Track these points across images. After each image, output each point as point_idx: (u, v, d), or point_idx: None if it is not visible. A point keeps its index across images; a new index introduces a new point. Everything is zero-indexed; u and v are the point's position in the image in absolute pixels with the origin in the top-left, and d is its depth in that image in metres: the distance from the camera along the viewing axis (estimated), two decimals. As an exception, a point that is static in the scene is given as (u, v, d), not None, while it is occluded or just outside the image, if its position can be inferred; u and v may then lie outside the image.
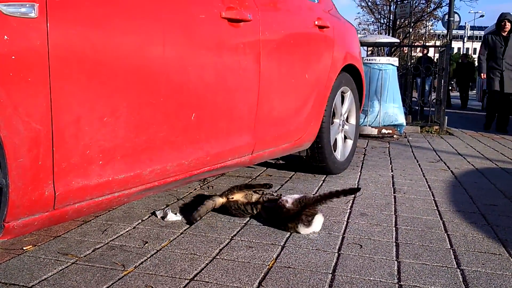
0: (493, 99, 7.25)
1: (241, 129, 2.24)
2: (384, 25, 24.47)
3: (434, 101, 7.02)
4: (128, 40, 1.57)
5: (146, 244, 1.84)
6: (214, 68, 1.98)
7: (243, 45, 2.15)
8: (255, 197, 2.20)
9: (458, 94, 19.33)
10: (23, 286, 1.46)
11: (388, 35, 19.36)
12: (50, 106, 1.33)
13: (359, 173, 3.45)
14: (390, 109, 5.84)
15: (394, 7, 19.75)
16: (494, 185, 3.23)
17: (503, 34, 7.02)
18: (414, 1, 20.45)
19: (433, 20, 24.54)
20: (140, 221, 2.12)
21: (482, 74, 7.45)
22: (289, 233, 2.02)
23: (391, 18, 22.54)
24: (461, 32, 45.74)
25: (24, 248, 1.75)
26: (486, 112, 7.79)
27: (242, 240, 1.93)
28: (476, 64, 12.23)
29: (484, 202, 2.73)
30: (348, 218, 2.29)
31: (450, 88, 16.02)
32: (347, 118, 3.48)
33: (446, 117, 6.84)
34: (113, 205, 1.73)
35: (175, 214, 2.18)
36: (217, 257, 1.75)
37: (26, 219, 1.35)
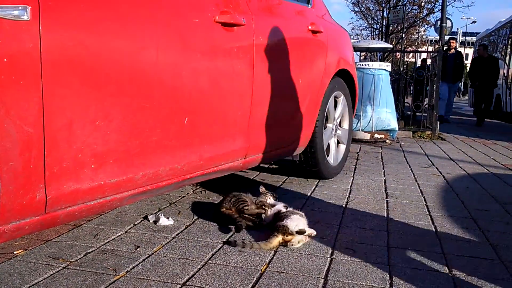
0: None
1: (234, 133, 2.24)
2: (377, 30, 24.60)
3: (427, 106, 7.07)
4: (122, 44, 1.57)
5: (138, 249, 1.83)
6: (207, 72, 1.98)
7: (236, 49, 2.15)
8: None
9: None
10: (13, 291, 1.45)
11: (381, 40, 19.47)
12: (42, 109, 1.32)
13: (352, 178, 3.46)
14: (383, 114, 5.87)
15: (387, 12, 19.89)
16: (486, 191, 3.24)
17: None
18: (407, 7, 20.60)
19: (426, 26, 24.71)
20: (132, 225, 2.11)
21: None
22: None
23: (384, 23, 22.67)
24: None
25: (14, 252, 1.74)
26: None
27: (231, 246, 1.92)
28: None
29: (476, 207, 2.74)
30: (340, 223, 2.30)
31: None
32: (340, 123, 3.49)
33: (438, 122, 6.87)
34: (105, 209, 1.72)
35: (168, 218, 2.17)
36: (209, 261, 1.74)
37: (17, 223, 1.34)
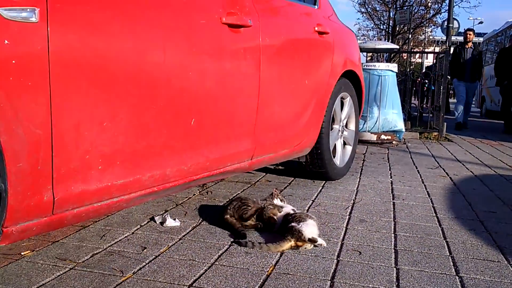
0: None
1: (240, 134, 2.24)
2: (383, 31, 24.55)
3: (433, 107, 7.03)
4: (129, 45, 1.58)
5: (145, 250, 1.84)
6: (214, 74, 1.99)
7: (243, 50, 2.15)
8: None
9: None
10: (21, 292, 1.45)
11: (388, 41, 19.42)
12: (50, 111, 1.33)
13: (358, 179, 3.45)
14: (389, 115, 5.84)
15: (394, 13, 19.85)
16: (493, 192, 3.22)
17: None
18: (414, 8, 20.55)
19: (432, 27, 24.64)
20: (138, 226, 2.11)
21: None
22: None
23: (390, 24, 22.63)
24: (460, 38, 45.75)
25: (22, 253, 1.75)
26: None
27: (241, 246, 1.92)
28: None
29: (483, 209, 2.73)
30: (347, 225, 2.29)
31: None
32: (347, 124, 3.48)
33: (445, 123, 6.84)
34: (112, 211, 1.73)
35: (174, 219, 2.17)
36: (216, 263, 1.74)
37: (24, 224, 1.35)
